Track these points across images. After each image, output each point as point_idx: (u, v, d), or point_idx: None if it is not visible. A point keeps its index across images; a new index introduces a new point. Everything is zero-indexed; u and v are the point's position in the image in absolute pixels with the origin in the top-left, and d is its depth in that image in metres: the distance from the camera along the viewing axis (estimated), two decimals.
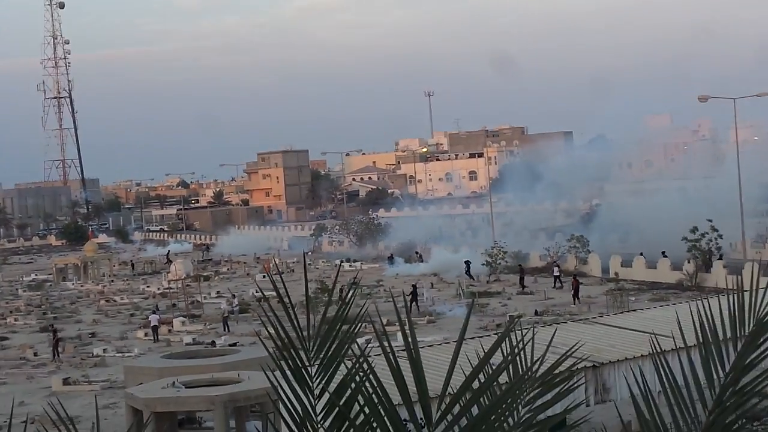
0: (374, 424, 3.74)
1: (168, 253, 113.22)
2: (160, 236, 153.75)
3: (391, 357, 3.74)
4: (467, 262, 72.17)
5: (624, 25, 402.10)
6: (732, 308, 4.39)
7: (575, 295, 58.65)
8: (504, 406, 4.07)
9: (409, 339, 3.71)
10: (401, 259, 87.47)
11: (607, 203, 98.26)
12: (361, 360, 3.92)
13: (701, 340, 4.47)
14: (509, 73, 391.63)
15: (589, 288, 63.94)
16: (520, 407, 4.32)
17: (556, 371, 4.42)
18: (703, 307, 4.54)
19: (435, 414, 3.64)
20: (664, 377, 4.39)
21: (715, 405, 4.25)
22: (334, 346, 4.26)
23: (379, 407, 3.73)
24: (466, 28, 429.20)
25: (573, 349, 4.67)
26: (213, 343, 48.76)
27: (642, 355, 24.54)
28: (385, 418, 3.72)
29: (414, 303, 57.41)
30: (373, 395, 3.76)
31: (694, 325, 4.47)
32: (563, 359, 4.46)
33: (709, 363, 4.39)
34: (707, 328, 4.46)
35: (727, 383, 4.28)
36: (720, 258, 63.91)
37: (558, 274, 66.87)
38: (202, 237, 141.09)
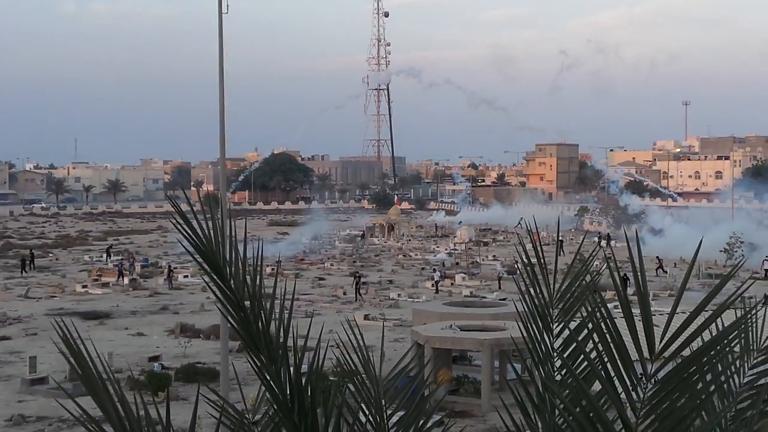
0: (605, 359, 3.57)
1: (460, 222, 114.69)
2: (449, 207, 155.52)
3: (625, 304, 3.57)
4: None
5: None
6: None
7: None
8: (727, 361, 3.84)
9: (641, 287, 3.50)
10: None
11: None
12: (597, 306, 3.76)
13: None
14: (760, 87, 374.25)
15: None
16: (746, 365, 4.09)
17: None
18: None
19: (653, 365, 3.45)
20: None
21: None
22: (572, 299, 4.22)
23: (611, 344, 3.55)
24: (724, 47, 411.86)
25: None
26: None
27: None
28: (615, 353, 3.55)
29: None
30: (607, 334, 3.59)
31: None
32: None
33: None
34: None
35: None
36: None
37: (767, 268, 62.54)
38: (485, 209, 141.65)
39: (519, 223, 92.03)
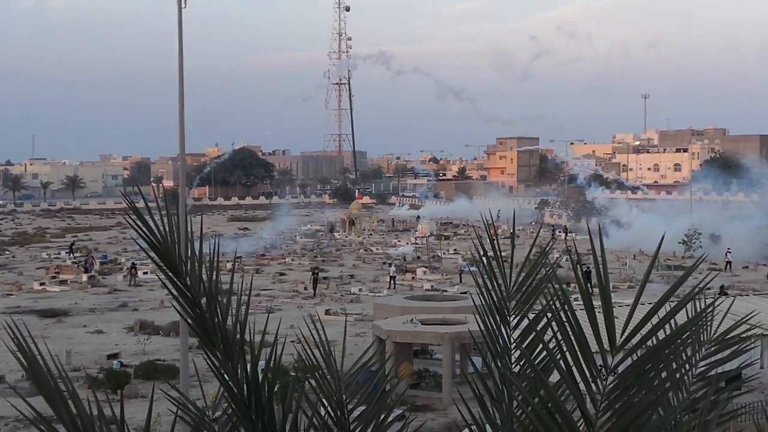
0: (564, 348, 3.57)
1: (417, 217, 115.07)
2: (412, 201, 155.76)
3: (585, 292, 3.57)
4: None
5: None
6: None
7: None
8: (683, 355, 3.87)
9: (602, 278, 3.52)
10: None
11: None
12: (556, 297, 3.77)
13: None
14: (717, 81, 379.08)
15: None
16: (698, 357, 4.14)
17: (732, 333, 4.18)
18: None
19: (614, 358, 3.47)
20: None
21: None
22: (529, 290, 4.26)
23: (570, 335, 3.56)
24: (684, 41, 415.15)
25: (750, 316, 4.38)
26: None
27: None
28: (574, 343, 3.55)
29: None
30: (566, 324, 3.59)
31: None
32: (740, 324, 4.20)
33: None
34: None
35: None
36: None
37: (729, 260, 63.35)
38: (449, 202, 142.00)
39: (498, 216, 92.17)
